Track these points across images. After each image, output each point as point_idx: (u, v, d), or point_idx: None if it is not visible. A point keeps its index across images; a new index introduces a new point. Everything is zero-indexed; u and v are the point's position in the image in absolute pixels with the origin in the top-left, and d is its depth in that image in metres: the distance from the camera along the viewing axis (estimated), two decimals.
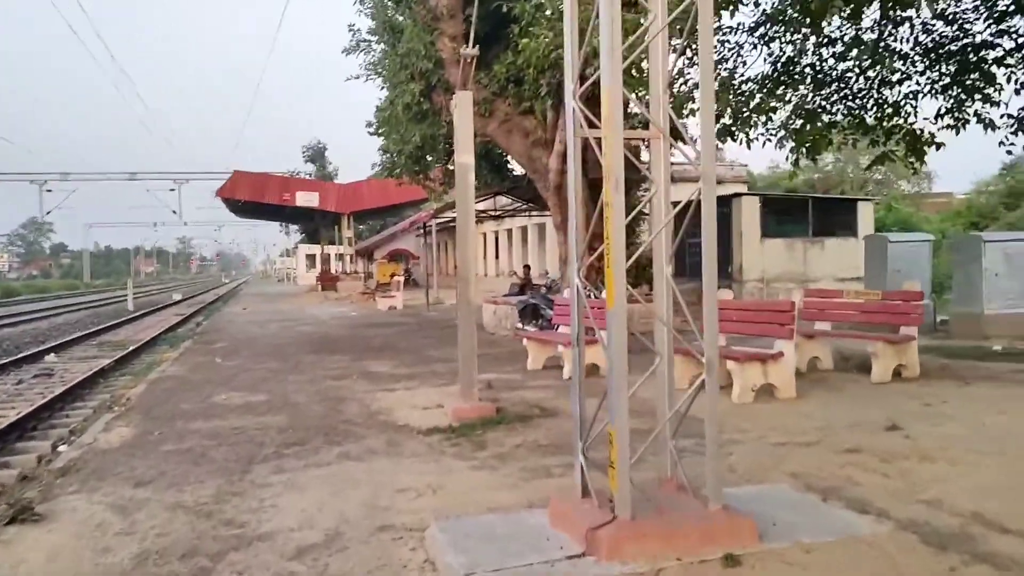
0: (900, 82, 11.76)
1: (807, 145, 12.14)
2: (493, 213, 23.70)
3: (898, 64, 11.66)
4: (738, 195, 22.68)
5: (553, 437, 6.36)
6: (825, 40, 11.78)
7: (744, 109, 12.02)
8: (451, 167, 20.13)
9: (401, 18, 16.31)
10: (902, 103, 11.80)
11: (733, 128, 12.00)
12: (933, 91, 11.49)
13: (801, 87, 12.14)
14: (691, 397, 3.94)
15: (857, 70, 11.84)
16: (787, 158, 12.63)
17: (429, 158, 19.30)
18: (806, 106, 12.27)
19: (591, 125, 3.99)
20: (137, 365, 13.77)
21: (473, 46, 8.10)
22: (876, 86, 12.00)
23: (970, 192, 42.27)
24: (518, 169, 19.40)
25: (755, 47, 12.11)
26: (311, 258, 66.24)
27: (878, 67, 11.60)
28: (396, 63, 15.52)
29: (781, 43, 11.94)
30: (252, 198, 35.90)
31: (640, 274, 15.50)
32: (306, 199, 36.01)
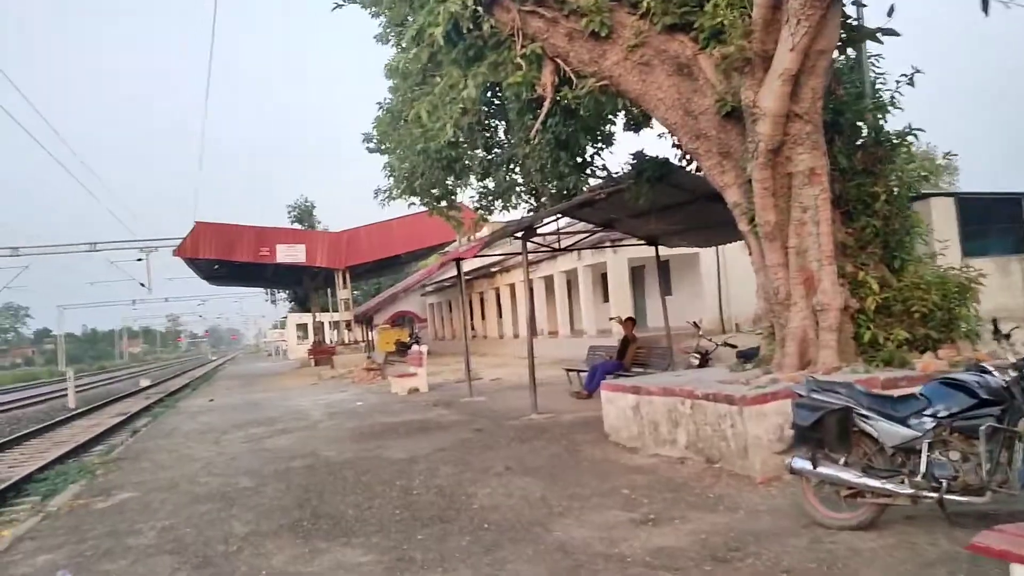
0: None
1: None
2: (556, 246, 16.18)
3: None
4: (924, 196, 15.46)
5: None
6: None
7: None
8: (514, 176, 12.74)
9: None
10: None
11: None
12: None
13: None
14: None
15: None
16: None
17: (464, 165, 12.20)
18: None
19: None
20: None
21: None
22: None
23: None
24: (603, 162, 12.26)
25: None
26: (302, 328, 58.62)
27: None
28: None
29: None
30: (221, 255, 28.48)
31: (941, 320, 8.13)
32: (289, 253, 28.57)
